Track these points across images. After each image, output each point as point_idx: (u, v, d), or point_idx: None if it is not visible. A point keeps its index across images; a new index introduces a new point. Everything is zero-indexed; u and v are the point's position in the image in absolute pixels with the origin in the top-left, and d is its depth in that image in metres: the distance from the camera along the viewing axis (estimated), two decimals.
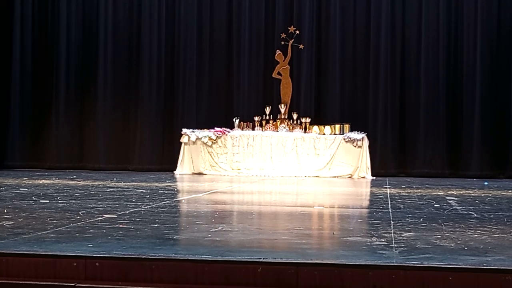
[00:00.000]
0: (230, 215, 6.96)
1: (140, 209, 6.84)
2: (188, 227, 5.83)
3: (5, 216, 6.04)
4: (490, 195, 9.36)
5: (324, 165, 13.06)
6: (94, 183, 10.57)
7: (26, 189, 9.27)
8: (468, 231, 5.47)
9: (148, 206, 7.13)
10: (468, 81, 13.93)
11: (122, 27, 15.03)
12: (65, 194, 8.55)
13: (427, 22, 14.15)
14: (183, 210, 7.45)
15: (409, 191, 9.87)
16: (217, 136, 13.33)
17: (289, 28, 14.15)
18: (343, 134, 13.23)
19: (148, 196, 8.43)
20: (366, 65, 14.34)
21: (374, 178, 12.85)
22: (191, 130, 13.54)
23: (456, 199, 8.59)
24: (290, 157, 13.14)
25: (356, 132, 13.24)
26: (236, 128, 13.59)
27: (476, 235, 5.24)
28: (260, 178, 12.73)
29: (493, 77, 13.89)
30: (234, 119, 13.71)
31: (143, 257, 4.13)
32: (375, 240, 4.94)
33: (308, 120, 13.56)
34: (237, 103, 14.53)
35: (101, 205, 7.09)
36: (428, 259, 4.14)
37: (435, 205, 7.67)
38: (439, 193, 9.44)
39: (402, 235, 5.17)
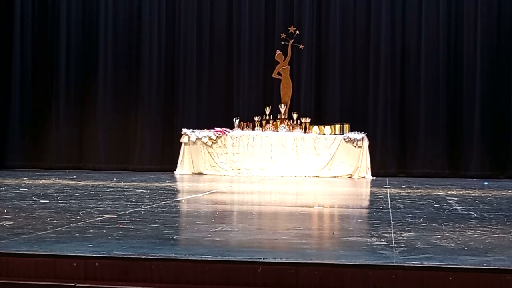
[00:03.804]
0: (230, 215, 6.95)
1: (140, 209, 6.84)
2: (188, 227, 5.83)
3: (5, 216, 6.04)
4: (490, 195, 9.36)
5: (324, 165, 13.06)
6: (94, 183, 10.57)
7: (26, 189, 9.27)
8: (468, 231, 5.47)
9: (148, 206, 7.13)
10: (468, 81, 13.94)
11: (122, 27, 15.04)
12: (65, 194, 8.55)
13: (427, 22, 14.15)
14: (183, 210, 7.45)
15: (409, 191, 9.87)
16: (217, 136, 13.33)
17: (289, 28, 14.15)
18: (343, 134, 13.23)
19: (148, 196, 8.43)
20: (366, 65, 14.35)
21: (374, 178, 12.85)
22: (191, 130, 13.54)
23: (456, 199, 8.59)
24: (290, 157, 13.14)
25: (356, 132, 13.24)
26: (236, 128, 13.59)
27: (476, 235, 5.24)
28: (260, 178, 12.73)
29: (493, 77, 13.89)
30: (234, 119, 13.71)
31: (143, 257, 4.13)
32: (375, 240, 4.94)
33: (308, 120, 13.56)
34: (237, 103, 14.54)
35: (101, 205, 7.09)
36: (428, 259, 4.14)
37: (435, 205, 7.67)
38: (439, 193, 9.43)
39: (402, 235, 5.17)
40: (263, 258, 4.08)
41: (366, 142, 13.12)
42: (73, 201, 7.52)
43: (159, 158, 14.59)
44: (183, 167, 13.42)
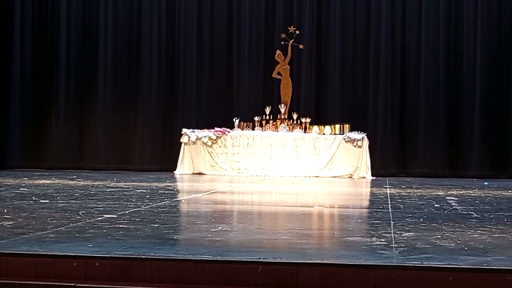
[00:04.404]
0: (230, 215, 6.96)
1: (140, 209, 6.84)
2: (188, 227, 5.83)
3: (5, 216, 6.04)
4: (490, 195, 9.36)
5: (324, 165, 13.06)
6: (94, 183, 10.57)
7: (26, 189, 9.27)
8: (468, 231, 5.47)
9: (148, 206, 7.13)
10: (468, 81, 13.93)
11: (122, 27, 15.03)
12: (65, 194, 8.55)
13: (427, 22, 14.15)
14: (183, 210, 7.45)
15: (409, 191, 9.87)
16: (217, 136, 13.33)
17: (289, 28, 14.14)
18: (343, 134, 13.23)
19: (148, 196, 8.43)
20: (366, 65, 14.35)
21: (374, 178, 12.85)
22: (191, 130, 13.54)
23: (456, 199, 8.59)
24: (290, 157, 13.14)
25: (356, 132, 13.24)
26: (236, 128, 13.59)
27: (476, 235, 5.24)
28: (260, 178, 12.73)
29: (493, 77, 13.89)
30: (234, 119, 13.71)
31: (143, 257, 4.13)
32: (375, 240, 4.94)
33: (308, 120, 13.56)
34: (237, 103, 14.54)
35: (101, 205, 7.09)
36: (428, 259, 4.14)
37: (435, 205, 7.67)
38: (439, 193, 9.43)
39: (402, 235, 5.17)
40: (263, 258, 4.08)
41: (366, 142, 13.12)
42: (73, 201, 7.52)
43: (159, 158, 14.59)
44: (183, 167, 13.42)
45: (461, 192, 9.69)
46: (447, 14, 14.12)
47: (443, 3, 14.09)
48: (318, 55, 14.49)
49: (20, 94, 14.97)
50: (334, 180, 12.47)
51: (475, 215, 6.70)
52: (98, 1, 15.06)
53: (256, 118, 13.61)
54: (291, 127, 13.51)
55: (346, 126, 13.35)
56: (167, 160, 14.33)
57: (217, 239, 4.94)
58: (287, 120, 13.64)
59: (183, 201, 8.39)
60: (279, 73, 14.05)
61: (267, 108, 13.75)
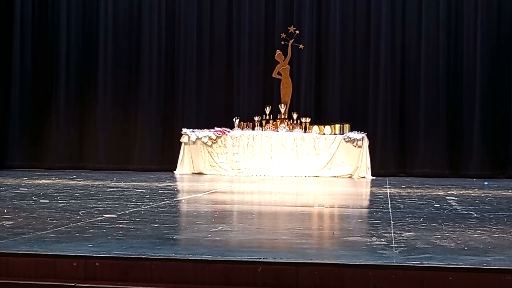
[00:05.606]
0: (230, 215, 6.96)
1: (140, 209, 6.84)
2: (188, 227, 5.83)
3: (5, 216, 6.04)
4: (490, 195, 9.36)
5: (324, 165, 13.06)
6: (94, 183, 10.56)
7: (26, 189, 9.27)
8: (468, 231, 5.47)
9: (148, 206, 7.13)
10: (468, 81, 13.93)
11: (122, 27, 15.04)
12: (65, 194, 8.55)
13: (427, 22, 14.15)
14: (183, 210, 7.45)
15: (409, 191, 9.87)
16: (217, 136, 13.33)
17: (289, 28, 14.15)
18: (343, 134, 13.23)
19: (148, 196, 8.43)
20: (366, 65, 14.35)
21: (374, 178, 12.85)
22: (191, 130, 13.54)
23: (456, 199, 8.59)
24: (290, 157, 13.14)
25: (356, 132, 13.24)
26: (236, 128, 13.59)
27: (476, 235, 5.24)
28: (260, 178, 12.73)
29: (493, 77, 13.89)
30: (234, 119, 13.71)
31: (143, 257, 4.13)
32: (375, 240, 4.94)
33: (308, 120, 13.56)
34: (237, 103, 14.53)
35: (101, 205, 7.09)
36: (428, 259, 4.14)
37: (435, 205, 7.67)
38: (439, 193, 9.44)
39: (402, 235, 5.17)
40: (263, 258, 4.08)
41: (366, 142, 13.12)
42: (73, 201, 7.52)
43: (159, 158, 14.59)
44: (183, 167, 13.42)
45: (461, 192, 9.69)
46: (447, 14, 14.12)
47: (443, 3, 14.09)
48: (318, 55, 14.49)
49: (20, 94, 14.97)
50: (334, 180, 12.46)
51: (475, 215, 6.70)
52: (98, 1, 15.06)
53: (256, 118, 13.62)
54: (291, 127, 13.51)
55: (346, 126, 13.35)
56: (167, 160, 14.33)
57: (217, 239, 4.94)
58: (287, 120, 13.64)
59: (183, 201, 8.39)
60: (279, 73, 14.05)
61: (267, 108, 13.75)
